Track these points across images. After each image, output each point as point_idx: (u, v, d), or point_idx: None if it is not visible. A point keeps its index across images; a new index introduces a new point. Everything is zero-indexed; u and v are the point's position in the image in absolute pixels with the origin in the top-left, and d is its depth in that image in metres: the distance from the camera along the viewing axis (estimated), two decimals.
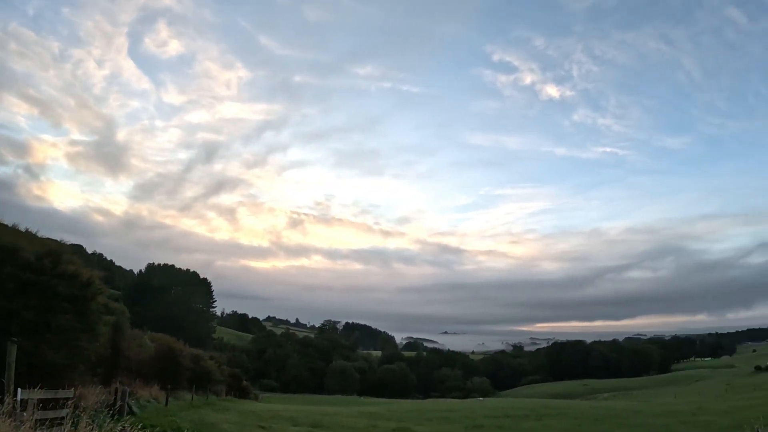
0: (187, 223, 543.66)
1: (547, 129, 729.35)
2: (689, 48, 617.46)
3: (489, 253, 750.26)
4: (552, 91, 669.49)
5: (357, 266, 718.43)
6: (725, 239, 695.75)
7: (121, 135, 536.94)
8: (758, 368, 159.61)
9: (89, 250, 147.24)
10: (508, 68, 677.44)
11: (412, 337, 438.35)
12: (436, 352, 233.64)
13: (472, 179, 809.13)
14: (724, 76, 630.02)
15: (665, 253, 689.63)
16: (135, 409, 25.31)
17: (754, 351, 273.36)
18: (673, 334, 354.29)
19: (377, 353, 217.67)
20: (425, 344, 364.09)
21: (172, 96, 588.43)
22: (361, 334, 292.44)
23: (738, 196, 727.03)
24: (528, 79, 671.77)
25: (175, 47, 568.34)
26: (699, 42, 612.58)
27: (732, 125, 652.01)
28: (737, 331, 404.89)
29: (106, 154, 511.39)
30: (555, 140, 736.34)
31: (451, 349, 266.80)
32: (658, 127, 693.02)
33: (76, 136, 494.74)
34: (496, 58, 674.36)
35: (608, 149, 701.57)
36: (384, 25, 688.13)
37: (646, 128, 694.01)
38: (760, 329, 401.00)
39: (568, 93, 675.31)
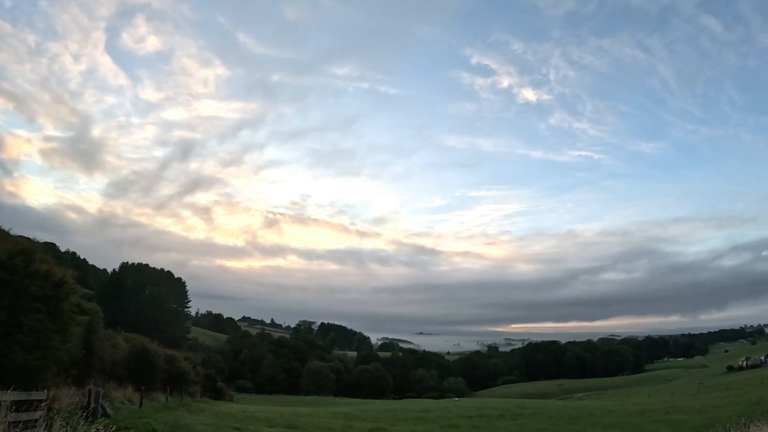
0: (162, 222, 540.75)
1: (524, 132, 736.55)
2: (665, 55, 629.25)
3: (464, 254, 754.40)
4: (529, 94, 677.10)
5: (332, 266, 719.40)
6: (698, 242, 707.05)
7: (96, 131, 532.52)
8: (730, 368, 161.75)
9: (62, 249, 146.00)
10: (486, 71, 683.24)
11: (387, 338, 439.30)
12: (412, 352, 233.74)
13: (447, 181, 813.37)
14: (699, 84, 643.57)
15: (639, 256, 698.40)
16: (109, 411, 25.03)
17: (726, 351, 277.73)
18: (647, 334, 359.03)
19: (353, 354, 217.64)
20: (401, 345, 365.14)
21: (148, 93, 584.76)
22: (336, 335, 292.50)
23: (710, 200, 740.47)
24: (505, 82, 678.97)
25: (152, 43, 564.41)
26: (674, 50, 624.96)
27: (705, 131, 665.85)
28: (709, 332, 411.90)
29: (81, 151, 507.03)
30: (531, 143, 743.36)
31: (427, 349, 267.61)
32: (632, 132, 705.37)
33: (51, 131, 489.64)
34: (474, 61, 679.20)
35: (583, 153, 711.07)
36: (363, 26, 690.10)
37: (620, 133, 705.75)
38: (732, 330, 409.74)
39: (545, 97, 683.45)
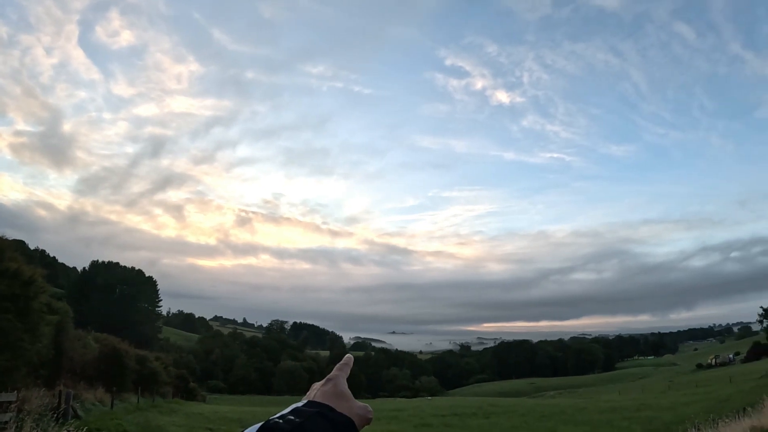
0: (133, 220, 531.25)
1: (496, 133, 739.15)
2: (637, 61, 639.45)
3: (436, 254, 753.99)
4: (502, 96, 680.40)
5: (305, 266, 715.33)
6: (667, 243, 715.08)
7: (67, 126, 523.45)
8: (699, 366, 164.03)
9: (32, 246, 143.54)
10: (460, 73, 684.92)
11: (360, 337, 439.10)
12: (385, 352, 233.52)
13: (420, 181, 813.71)
14: (670, 89, 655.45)
15: (609, 256, 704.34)
16: (80, 412, 24.73)
17: (696, 350, 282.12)
18: (617, 333, 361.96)
19: (325, 353, 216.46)
20: (373, 344, 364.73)
21: (121, 88, 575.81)
22: (308, 334, 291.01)
23: (680, 202, 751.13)
24: (479, 84, 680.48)
25: (126, 37, 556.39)
26: (647, 55, 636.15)
27: (675, 135, 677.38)
28: (679, 331, 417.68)
29: (52, 146, 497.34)
30: (503, 145, 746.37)
31: (399, 348, 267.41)
32: (604, 135, 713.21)
33: (21, 126, 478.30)
34: (448, 62, 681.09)
35: (555, 155, 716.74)
36: (338, 25, 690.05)
37: (592, 135, 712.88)
38: (701, 329, 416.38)
39: (518, 99, 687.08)
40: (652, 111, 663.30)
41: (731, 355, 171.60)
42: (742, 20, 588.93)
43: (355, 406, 1.43)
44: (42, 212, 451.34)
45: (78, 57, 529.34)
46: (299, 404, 1.37)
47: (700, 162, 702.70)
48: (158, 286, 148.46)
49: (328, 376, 1.55)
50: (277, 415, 1.27)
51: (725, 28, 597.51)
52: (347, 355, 1.72)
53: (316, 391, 1.49)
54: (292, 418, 1.23)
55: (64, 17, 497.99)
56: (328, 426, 1.25)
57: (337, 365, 1.64)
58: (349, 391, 1.51)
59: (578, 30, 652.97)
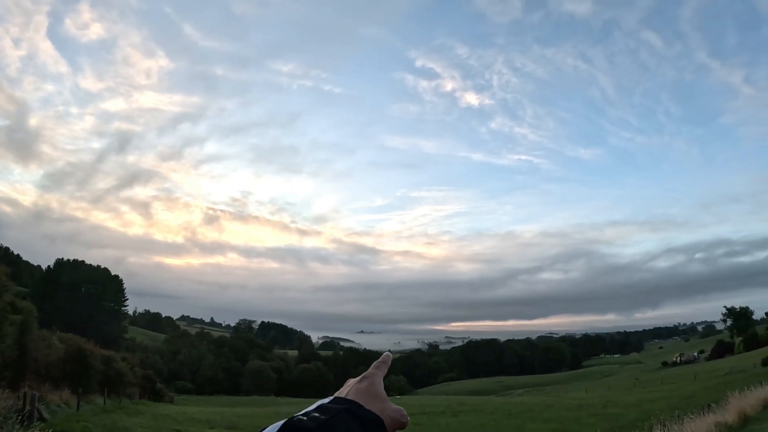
0: (99, 217, 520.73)
1: (465, 135, 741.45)
2: (605, 66, 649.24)
3: (404, 253, 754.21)
4: (471, 98, 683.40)
5: (273, 265, 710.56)
6: (633, 244, 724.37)
7: (33, 120, 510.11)
8: (665, 364, 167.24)
9: None
10: (430, 74, 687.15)
11: (328, 337, 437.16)
12: (353, 351, 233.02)
13: (388, 180, 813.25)
14: (637, 95, 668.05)
15: (576, 256, 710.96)
16: (45, 414, 24.38)
17: (661, 348, 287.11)
18: (584, 332, 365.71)
19: (293, 353, 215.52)
20: (342, 343, 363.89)
21: (89, 82, 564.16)
22: (276, 334, 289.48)
23: (645, 205, 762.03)
24: (449, 85, 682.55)
25: (96, 31, 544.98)
26: (615, 61, 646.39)
27: (641, 140, 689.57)
28: (644, 330, 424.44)
29: (17, 141, 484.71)
30: (472, 146, 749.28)
31: (368, 348, 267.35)
32: (571, 138, 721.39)
33: None
34: (419, 63, 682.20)
35: (523, 157, 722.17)
36: (309, 24, 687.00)
37: (560, 139, 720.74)
38: (666, 328, 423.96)
39: (487, 101, 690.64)
40: (619, 116, 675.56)
41: (696, 353, 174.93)
42: (709, 30, 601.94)
43: (389, 408, 1.38)
44: (6, 208, 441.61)
45: (46, 49, 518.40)
46: (325, 401, 1.34)
47: (665, 166, 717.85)
48: (124, 285, 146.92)
49: (364, 374, 1.50)
50: (302, 412, 1.26)
51: (692, 37, 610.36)
52: (386, 353, 1.65)
53: (349, 388, 1.44)
54: (317, 415, 1.21)
55: (34, 8, 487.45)
56: (356, 423, 1.21)
57: (375, 363, 1.57)
58: (384, 392, 1.46)
59: (548, 35, 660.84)
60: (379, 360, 1.60)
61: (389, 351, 1.44)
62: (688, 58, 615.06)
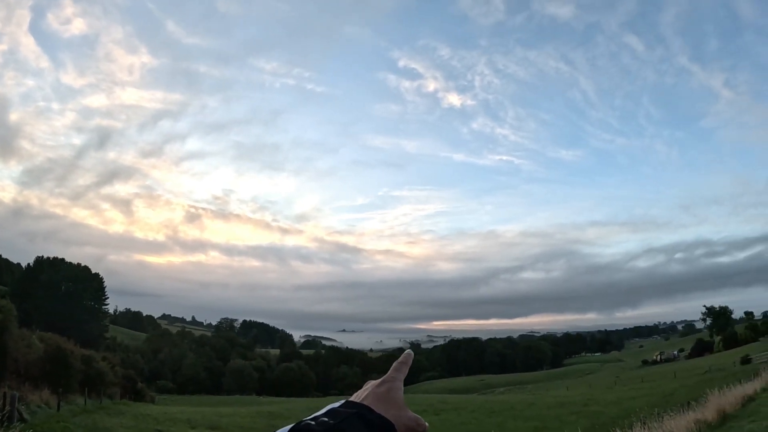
0: (79, 214, 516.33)
1: (447, 135, 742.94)
2: (587, 69, 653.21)
3: (386, 252, 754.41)
4: (454, 99, 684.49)
5: (254, 263, 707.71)
6: (614, 244, 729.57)
7: (14, 116, 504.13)
8: (645, 362, 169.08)
9: None
10: (413, 75, 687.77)
11: (310, 335, 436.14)
12: (335, 350, 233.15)
13: (370, 180, 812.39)
14: (618, 97, 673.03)
15: (557, 256, 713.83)
16: (26, 415, 24.19)
17: (641, 347, 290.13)
18: (565, 331, 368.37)
19: (275, 351, 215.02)
20: (323, 342, 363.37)
21: (70, 78, 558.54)
22: (258, 332, 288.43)
23: (625, 206, 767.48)
24: (431, 86, 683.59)
25: (78, 26, 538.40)
26: (596, 64, 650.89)
27: (622, 141, 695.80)
28: (625, 329, 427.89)
29: None
30: (453, 146, 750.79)
31: (350, 347, 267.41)
32: (552, 140, 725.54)
33: None
34: (401, 64, 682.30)
35: (504, 157, 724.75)
36: (293, 22, 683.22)
37: (541, 140, 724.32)
38: (646, 327, 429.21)
39: (469, 102, 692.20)
40: (599, 118, 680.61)
41: (675, 352, 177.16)
42: (691, 35, 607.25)
43: (405, 415, 1.33)
44: None
45: (28, 44, 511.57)
46: (336, 405, 1.30)
47: (646, 168, 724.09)
48: (105, 284, 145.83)
49: (384, 378, 1.44)
50: (311, 416, 1.22)
51: (674, 41, 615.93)
52: (407, 351, 1.58)
53: (367, 391, 1.39)
54: (326, 419, 1.18)
55: (16, 2, 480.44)
56: (365, 428, 1.19)
57: (395, 365, 1.52)
58: (402, 398, 1.40)
59: (531, 37, 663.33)
60: (399, 360, 1.53)
61: (410, 350, 1.68)
62: (669, 62, 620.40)
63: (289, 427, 1.14)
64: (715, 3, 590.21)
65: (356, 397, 1.39)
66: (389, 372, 1.48)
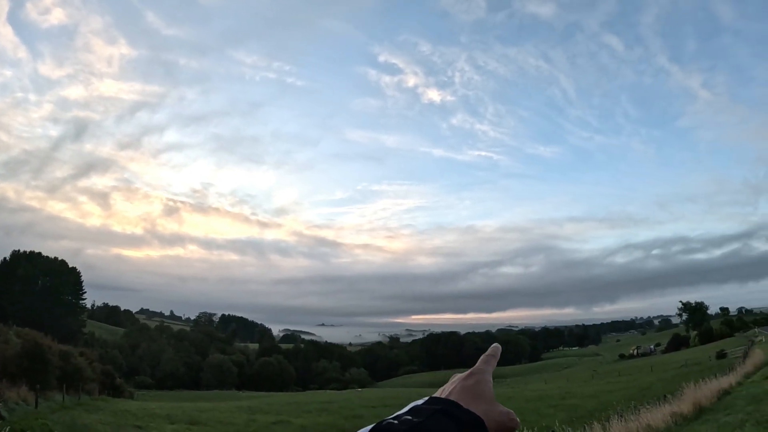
0: (55, 207, 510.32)
1: (426, 130, 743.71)
2: (566, 68, 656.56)
3: (365, 246, 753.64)
4: (433, 95, 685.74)
5: (233, 257, 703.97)
6: (592, 240, 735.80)
7: None
8: (621, 356, 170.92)
9: None
10: (393, 70, 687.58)
11: (289, 330, 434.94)
12: (314, 344, 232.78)
13: (349, 174, 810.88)
14: (596, 96, 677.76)
15: (536, 251, 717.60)
16: (3, 412, 24.04)
17: (618, 341, 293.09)
18: (543, 325, 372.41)
19: (254, 346, 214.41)
20: (303, 336, 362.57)
21: (48, 69, 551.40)
22: (237, 327, 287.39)
23: (604, 202, 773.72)
24: (411, 81, 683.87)
25: (57, 16, 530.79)
26: (576, 63, 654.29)
27: (600, 139, 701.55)
28: (602, 323, 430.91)
29: None
30: (433, 141, 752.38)
31: (329, 341, 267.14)
32: (531, 136, 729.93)
33: None
34: (381, 59, 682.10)
35: (483, 153, 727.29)
36: (273, 15, 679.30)
37: (520, 136, 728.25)
38: (623, 321, 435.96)
39: (449, 98, 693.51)
40: (578, 115, 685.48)
41: (652, 346, 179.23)
42: (670, 36, 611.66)
43: (495, 410, 1.28)
44: None
45: (6, 34, 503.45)
46: (419, 402, 1.24)
47: (623, 165, 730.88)
48: (82, 278, 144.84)
49: (471, 370, 1.39)
50: (393, 415, 1.16)
51: (653, 42, 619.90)
52: (494, 344, 1.51)
53: (454, 385, 1.35)
54: (410, 417, 1.12)
55: None
56: (453, 426, 1.13)
57: (483, 357, 1.46)
58: (492, 392, 1.34)
59: (511, 35, 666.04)
60: (487, 353, 1.48)
61: (497, 343, 1.60)
62: (648, 62, 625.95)
63: (369, 427, 1.08)
64: (694, 5, 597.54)
65: (441, 392, 1.33)
66: (477, 364, 1.42)
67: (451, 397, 1.26)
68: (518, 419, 1.29)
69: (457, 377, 1.39)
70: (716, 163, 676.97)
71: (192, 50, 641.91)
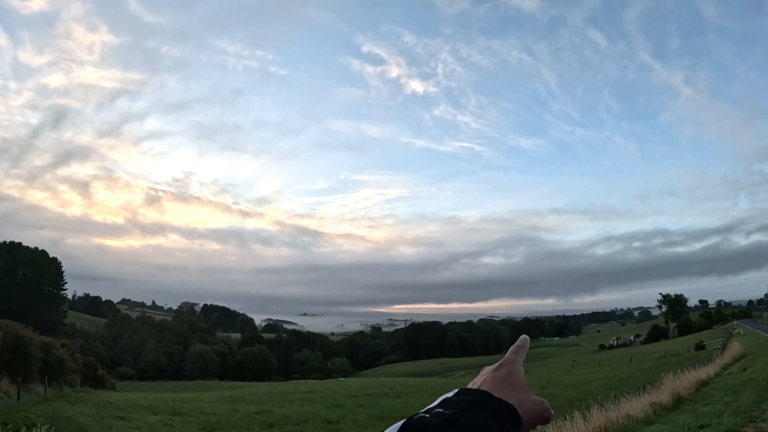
0: (35, 196, 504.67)
1: (409, 121, 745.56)
2: (549, 61, 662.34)
3: (347, 236, 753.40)
4: (416, 85, 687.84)
5: (215, 246, 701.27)
6: (573, 232, 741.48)
7: None
8: (602, 346, 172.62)
9: None
10: (376, 60, 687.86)
11: (271, 319, 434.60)
12: (296, 333, 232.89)
13: (331, 164, 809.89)
14: (579, 90, 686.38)
15: (518, 242, 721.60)
16: None
17: (598, 332, 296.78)
18: (524, 316, 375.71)
19: (236, 336, 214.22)
20: (285, 326, 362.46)
21: (29, 56, 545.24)
22: (219, 316, 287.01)
23: (585, 195, 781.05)
24: (394, 72, 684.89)
25: (39, 3, 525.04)
26: (559, 57, 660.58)
27: (581, 133, 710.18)
28: (582, 314, 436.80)
29: None
30: (415, 132, 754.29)
31: (311, 330, 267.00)
32: (513, 128, 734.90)
33: None
34: (365, 49, 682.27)
35: (465, 144, 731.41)
36: (256, 4, 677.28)
37: (502, 128, 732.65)
38: (603, 312, 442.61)
39: (432, 89, 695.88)
40: (560, 109, 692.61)
41: (632, 337, 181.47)
42: (653, 32, 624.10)
43: (529, 400, 1.26)
44: None
45: None
46: (450, 394, 1.22)
47: (604, 159, 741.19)
48: (63, 268, 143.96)
49: (501, 361, 1.38)
50: (423, 409, 1.14)
51: (636, 38, 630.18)
52: (522, 336, 1.51)
53: (484, 377, 1.34)
54: (441, 410, 1.10)
55: None
56: (487, 415, 1.12)
57: (512, 348, 1.45)
58: (525, 381, 1.33)
59: (495, 27, 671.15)
60: (516, 344, 1.47)
61: (525, 335, 1.60)
62: (631, 57, 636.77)
63: (401, 423, 1.06)
64: (678, 2, 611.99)
65: (472, 384, 1.33)
66: (507, 355, 1.42)
67: (483, 388, 1.27)
68: (552, 410, 1.28)
69: (487, 369, 1.39)
70: (697, 159, 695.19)
71: (174, 37, 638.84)
